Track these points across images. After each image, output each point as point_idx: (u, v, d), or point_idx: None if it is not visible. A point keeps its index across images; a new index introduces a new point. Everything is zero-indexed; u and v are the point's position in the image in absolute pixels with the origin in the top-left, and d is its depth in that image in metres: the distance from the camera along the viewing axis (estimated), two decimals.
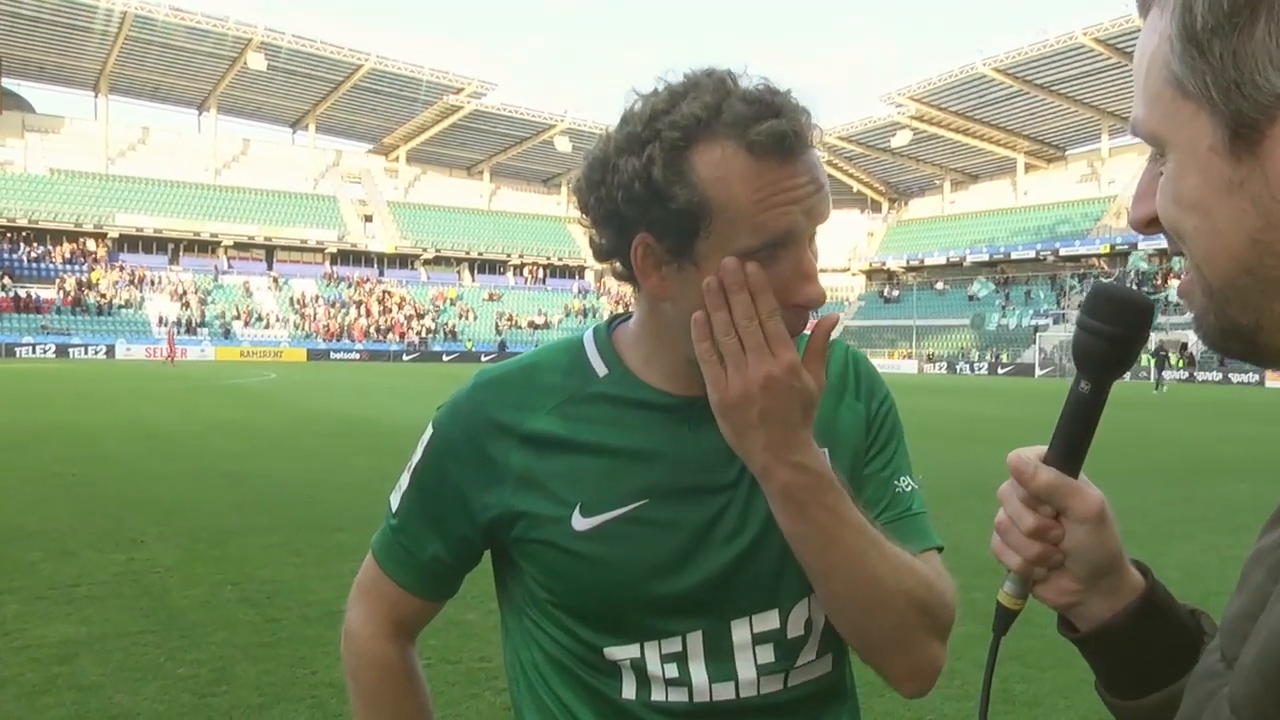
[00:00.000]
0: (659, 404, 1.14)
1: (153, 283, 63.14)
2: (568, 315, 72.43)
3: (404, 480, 1.24)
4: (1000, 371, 57.93)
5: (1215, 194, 0.60)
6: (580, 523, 1.12)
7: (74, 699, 4.31)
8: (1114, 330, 0.80)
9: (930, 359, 63.56)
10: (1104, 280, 1.04)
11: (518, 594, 1.21)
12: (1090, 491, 0.85)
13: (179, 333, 57.60)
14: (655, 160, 1.01)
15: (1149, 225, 0.67)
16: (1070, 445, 0.84)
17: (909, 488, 1.23)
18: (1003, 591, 0.88)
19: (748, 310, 1.01)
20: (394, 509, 1.25)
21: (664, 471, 1.12)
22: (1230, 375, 47.18)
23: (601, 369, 1.18)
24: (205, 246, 68.39)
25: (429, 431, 1.21)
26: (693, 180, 1.00)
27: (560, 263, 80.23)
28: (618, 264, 1.09)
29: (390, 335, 65.30)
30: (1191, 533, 8.29)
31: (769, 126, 0.99)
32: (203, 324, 60.54)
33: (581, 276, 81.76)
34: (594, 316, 72.13)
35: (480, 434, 1.16)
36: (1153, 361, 38.35)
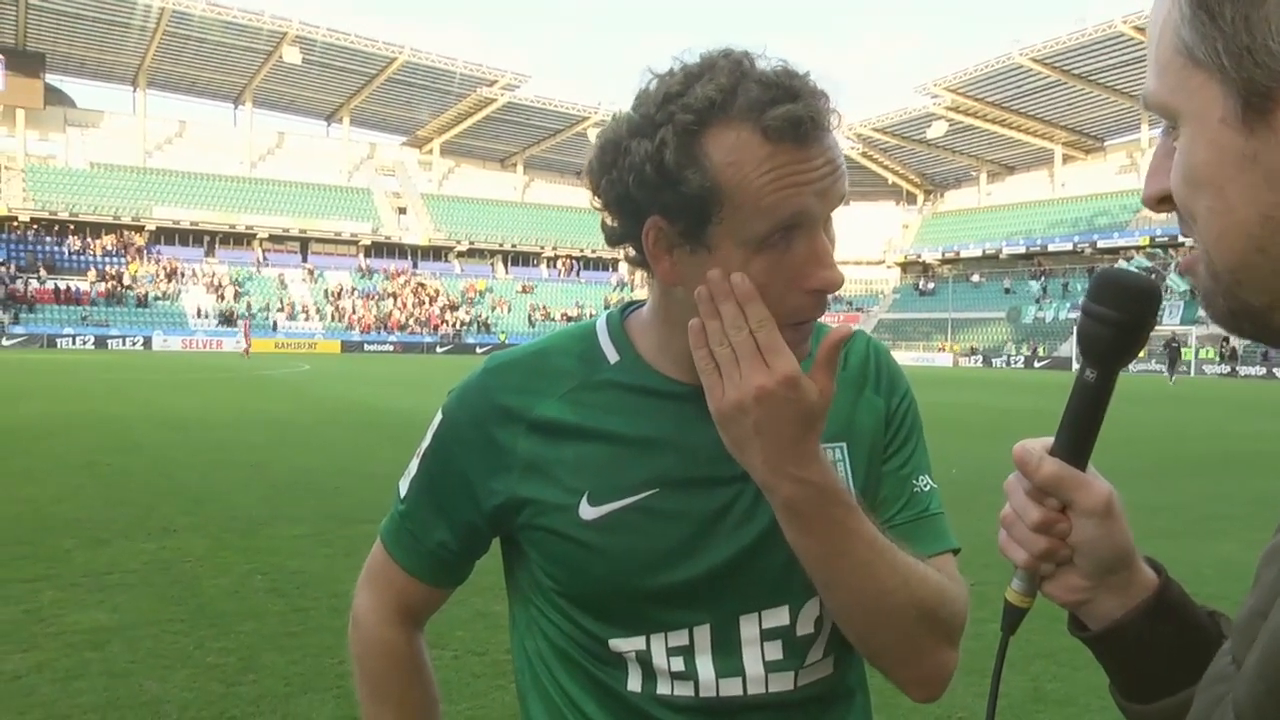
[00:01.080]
0: (670, 392, 1.13)
1: (189, 275, 63.87)
2: (606, 307, 72.25)
3: (413, 466, 1.23)
4: (1036, 365, 57.33)
5: (1227, 168, 0.57)
6: (587, 511, 1.10)
7: (105, 685, 4.36)
8: (1120, 316, 0.78)
9: (973, 351, 63.05)
10: (1111, 266, 1.01)
11: (524, 582, 1.21)
12: (1097, 484, 0.83)
13: (215, 324, 58.40)
14: (667, 143, 0.99)
15: (1161, 203, 0.64)
16: (1076, 436, 0.82)
17: (927, 487, 1.21)
18: (1010, 589, 0.86)
19: (735, 320, 0.99)
20: (402, 494, 1.24)
21: (674, 461, 1.11)
22: (1275, 370, 46.39)
23: (613, 355, 1.17)
24: (241, 239, 69.02)
25: (438, 417, 1.21)
26: (705, 165, 0.98)
27: (594, 255, 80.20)
28: (630, 248, 1.08)
29: (424, 327, 65.66)
30: (1228, 529, 8.15)
31: (785, 111, 0.97)
32: (249, 315, 61.18)
33: (615, 269, 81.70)
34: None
35: (488, 419, 1.14)
36: (1165, 352, 39.31)
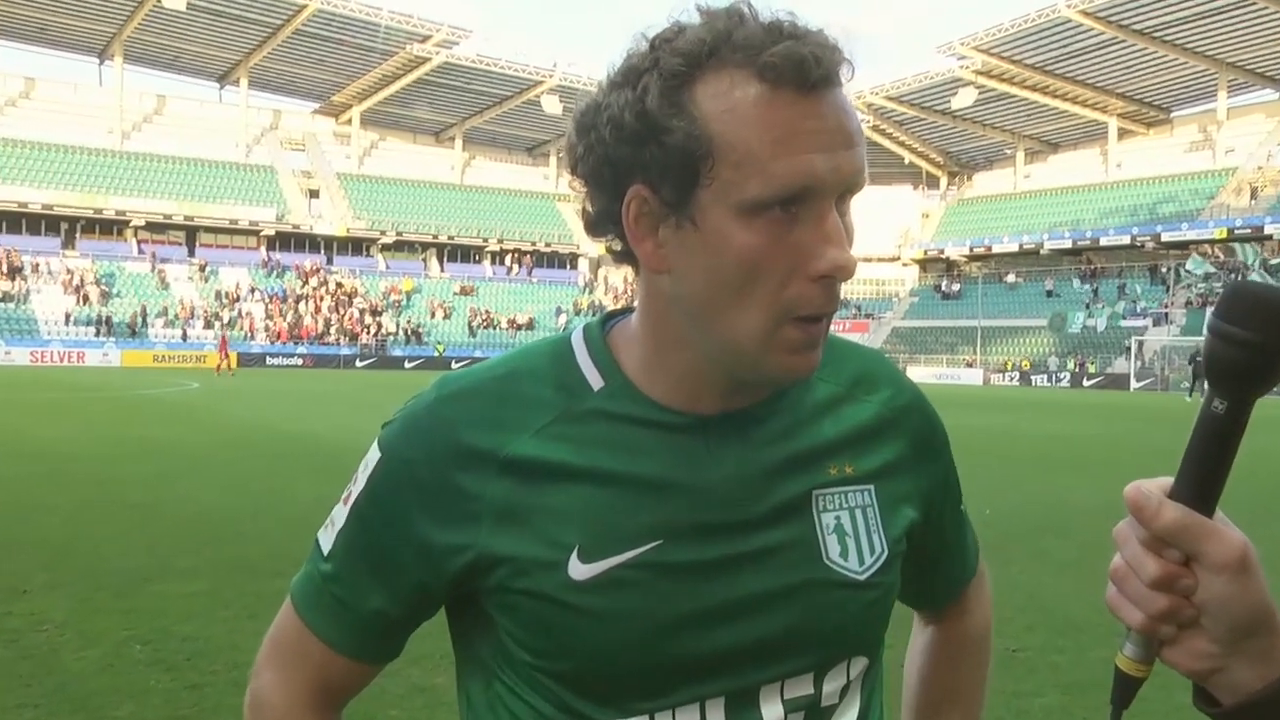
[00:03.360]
0: (668, 423, 1.14)
1: (40, 271, 63.05)
2: (577, 314, 72.39)
3: (339, 514, 1.21)
4: (1086, 383, 57.93)
5: None
6: (579, 570, 1.10)
7: None
8: (1259, 338, 0.80)
9: (1031, 367, 63.49)
10: (1245, 279, 1.06)
11: (486, 653, 1.19)
12: (1229, 533, 0.84)
13: (98, 335, 57.91)
14: (650, 89, 1.02)
15: None
16: (1202, 477, 0.84)
17: (965, 510, 1.42)
18: (1122, 654, 0.88)
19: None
20: (325, 550, 1.21)
21: (679, 506, 1.12)
22: None
23: (597, 380, 1.17)
24: (109, 227, 68.54)
25: (374, 454, 1.19)
26: (693, 113, 1.01)
27: (548, 249, 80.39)
28: (614, 239, 1.11)
29: (341, 337, 65.41)
30: None
31: (785, 48, 1.00)
32: (145, 325, 60.60)
33: (574, 266, 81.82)
34: (591, 314, 72.17)
35: (447, 459, 1.13)
36: (1190, 368, 46.65)
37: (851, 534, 1.17)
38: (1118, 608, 0.87)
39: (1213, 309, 0.84)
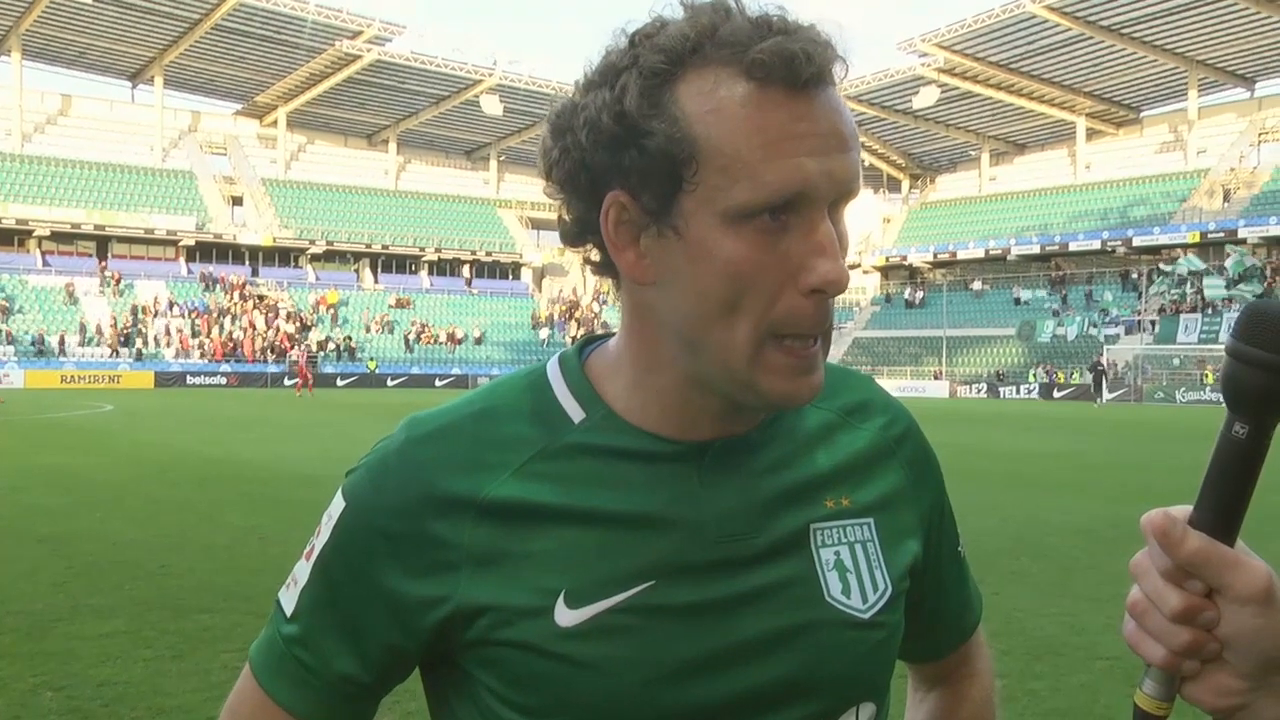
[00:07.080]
0: (657, 453, 1.13)
1: None
2: (535, 328, 72.24)
3: (301, 571, 1.18)
4: (1056, 395, 58.64)
5: None
6: (566, 616, 1.07)
7: None
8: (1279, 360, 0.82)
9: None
10: (1264, 299, 1.07)
11: (465, 714, 1.16)
12: (1253, 564, 0.85)
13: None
14: (629, 89, 1.01)
15: None
16: (1224, 505, 0.85)
17: (964, 551, 1.43)
18: (1141, 691, 0.88)
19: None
20: (288, 611, 1.17)
21: (672, 542, 1.10)
22: None
23: (577, 412, 1.15)
24: (10, 236, 67.50)
25: (339, 504, 1.16)
26: (674, 114, 1.00)
27: (489, 258, 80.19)
28: (593, 249, 1.10)
29: (268, 353, 64.92)
30: None
31: (774, 44, 0.99)
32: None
33: (517, 276, 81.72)
34: (540, 327, 72.17)
35: (420, 506, 1.11)
36: (1091, 375, 53.86)
37: (853, 570, 1.16)
38: (1137, 643, 0.87)
39: (1230, 332, 0.85)
